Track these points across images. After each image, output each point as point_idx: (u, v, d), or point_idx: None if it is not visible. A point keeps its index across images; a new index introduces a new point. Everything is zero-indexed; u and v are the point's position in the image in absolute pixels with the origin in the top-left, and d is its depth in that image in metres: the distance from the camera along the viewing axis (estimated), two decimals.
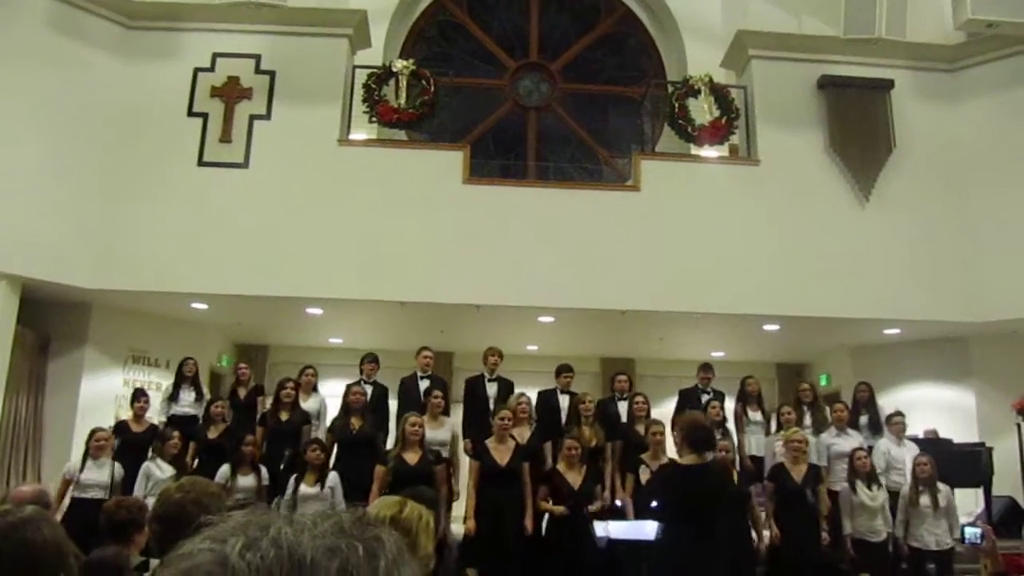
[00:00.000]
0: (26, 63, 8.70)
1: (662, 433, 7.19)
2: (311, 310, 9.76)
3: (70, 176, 8.74)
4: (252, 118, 9.24)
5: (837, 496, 7.19)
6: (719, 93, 9.72)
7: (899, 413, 7.94)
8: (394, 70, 9.60)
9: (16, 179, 8.45)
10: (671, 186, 9.39)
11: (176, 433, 7.43)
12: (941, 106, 9.79)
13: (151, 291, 8.89)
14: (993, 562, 5.94)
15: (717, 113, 9.63)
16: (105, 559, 3.14)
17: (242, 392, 8.64)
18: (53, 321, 9.45)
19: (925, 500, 6.94)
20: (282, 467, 7.34)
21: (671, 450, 7.48)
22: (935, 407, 9.77)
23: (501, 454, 6.82)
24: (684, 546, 4.62)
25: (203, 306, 9.64)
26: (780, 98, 9.72)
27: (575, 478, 6.75)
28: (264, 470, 7.16)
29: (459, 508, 7.30)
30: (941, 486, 7.02)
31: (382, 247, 8.87)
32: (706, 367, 8.65)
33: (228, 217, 8.89)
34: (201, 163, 9.09)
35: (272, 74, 9.37)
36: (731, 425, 8.27)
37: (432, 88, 9.54)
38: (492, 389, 8.00)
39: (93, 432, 7.48)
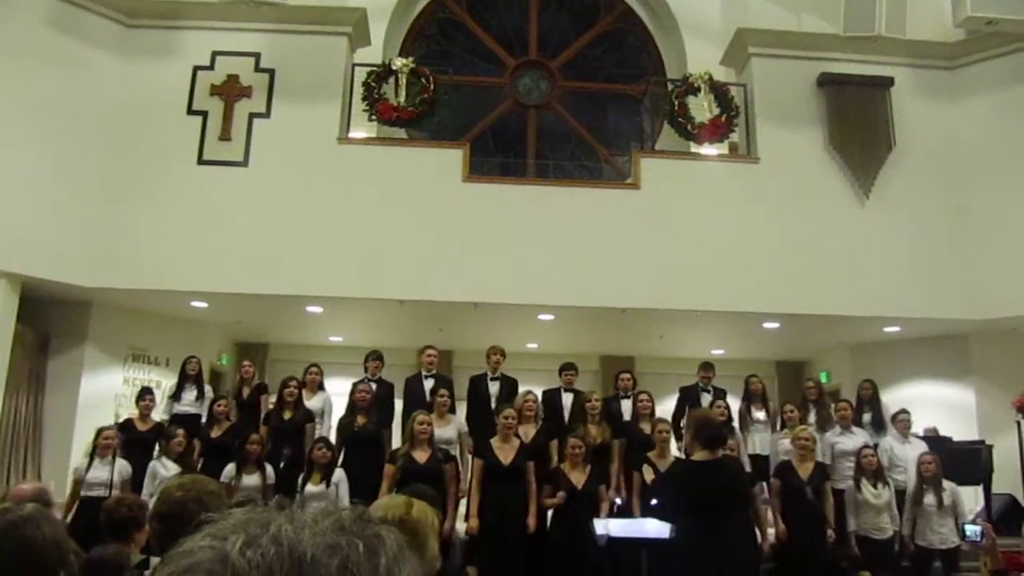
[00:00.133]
0: (25, 61, 8.70)
1: (668, 431, 7.19)
2: (311, 308, 9.76)
3: (70, 174, 8.74)
4: (252, 116, 9.24)
5: (842, 495, 7.17)
6: (719, 91, 9.72)
7: (904, 411, 7.93)
8: (394, 68, 9.59)
9: (16, 177, 8.44)
10: (671, 184, 9.39)
11: (181, 431, 7.43)
12: (941, 104, 9.79)
13: (151, 289, 8.89)
14: (993, 560, 5.93)
15: (717, 111, 9.63)
16: (105, 557, 3.14)
17: (246, 391, 8.63)
18: (53, 319, 9.45)
19: (929, 498, 6.93)
20: (281, 465, 7.33)
21: (674, 449, 7.53)
22: (935, 405, 9.77)
23: (505, 453, 6.81)
24: (696, 541, 4.64)
25: (203, 304, 9.64)
26: (780, 96, 9.72)
27: (578, 477, 6.74)
28: (270, 469, 7.16)
29: (462, 506, 7.30)
30: (947, 484, 7.00)
31: (382, 245, 8.87)
32: (707, 366, 8.65)
33: (228, 215, 8.89)
34: (201, 161, 9.09)
35: (272, 72, 9.37)
36: (736, 424, 8.27)
37: (432, 86, 9.53)
38: (494, 388, 8.00)
39: (100, 431, 7.50)
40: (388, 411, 7.99)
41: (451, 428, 7.39)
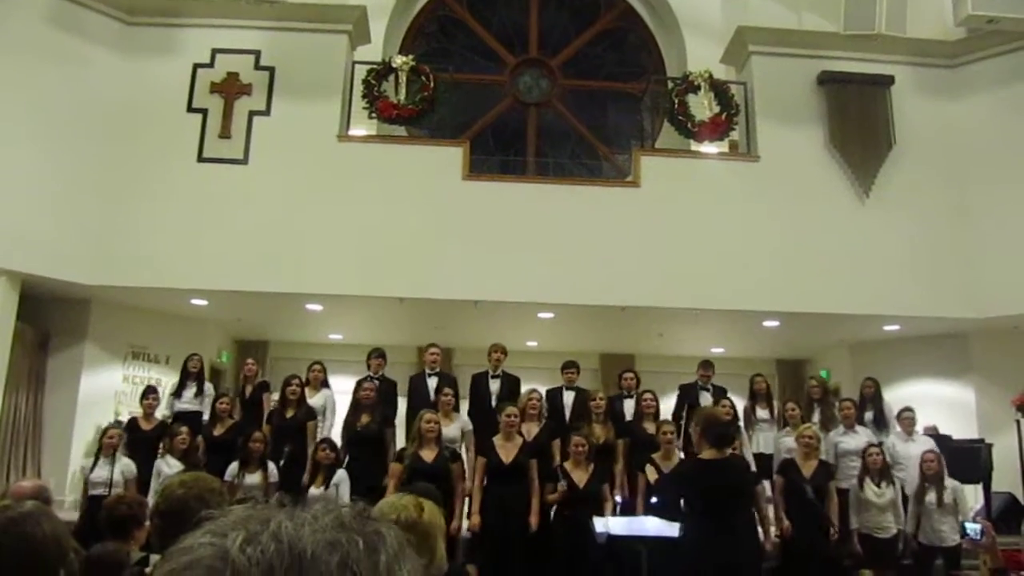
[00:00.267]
0: (25, 59, 8.69)
1: (672, 432, 7.18)
2: (311, 306, 9.77)
3: (69, 172, 8.74)
4: (251, 114, 9.24)
5: (846, 494, 7.15)
6: (719, 89, 9.71)
7: (908, 408, 7.92)
8: (394, 66, 9.59)
9: (15, 175, 8.44)
10: (671, 182, 9.39)
11: (185, 429, 7.43)
12: (941, 102, 9.79)
13: (151, 287, 8.88)
14: (993, 558, 5.94)
15: (717, 109, 9.62)
16: (104, 555, 3.14)
17: (248, 389, 8.63)
18: (53, 317, 9.46)
19: (931, 496, 6.93)
20: (281, 463, 7.33)
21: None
22: (935, 403, 9.77)
23: (507, 451, 6.81)
24: (703, 540, 4.65)
25: (203, 302, 9.64)
26: (780, 94, 9.72)
27: (581, 476, 6.73)
28: (272, 467, 7.16)
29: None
30: (949, 482, 6.99)
31: (382, 243, 8.87)
32: (706, 364, 8.64)
33: (227, 213, 8.89)
34: (200, 159, 9.09)
35: (271, 70, 9.37)
36: (740, 422, 8.26)
37: (432, 84, 9.53)
38: (495, 386, 8.00)
39: (105, 429, 7.54)
40: (392, 409, 7.98)
41: (455, 426, 7.38)
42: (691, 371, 8.83)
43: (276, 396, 8.28)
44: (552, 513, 6.85)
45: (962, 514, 6.92)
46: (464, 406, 8.11)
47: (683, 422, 7.88)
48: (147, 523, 3.45)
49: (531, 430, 7.24)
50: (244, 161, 9.11)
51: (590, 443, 6.88)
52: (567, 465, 6.81)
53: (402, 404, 8.19)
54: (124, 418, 9.02)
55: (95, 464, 7.37)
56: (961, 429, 9.27)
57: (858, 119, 9.55)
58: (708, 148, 9.83)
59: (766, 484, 7.34)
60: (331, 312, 10.04)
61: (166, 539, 2.36)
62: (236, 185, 9.01)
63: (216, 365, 11.07)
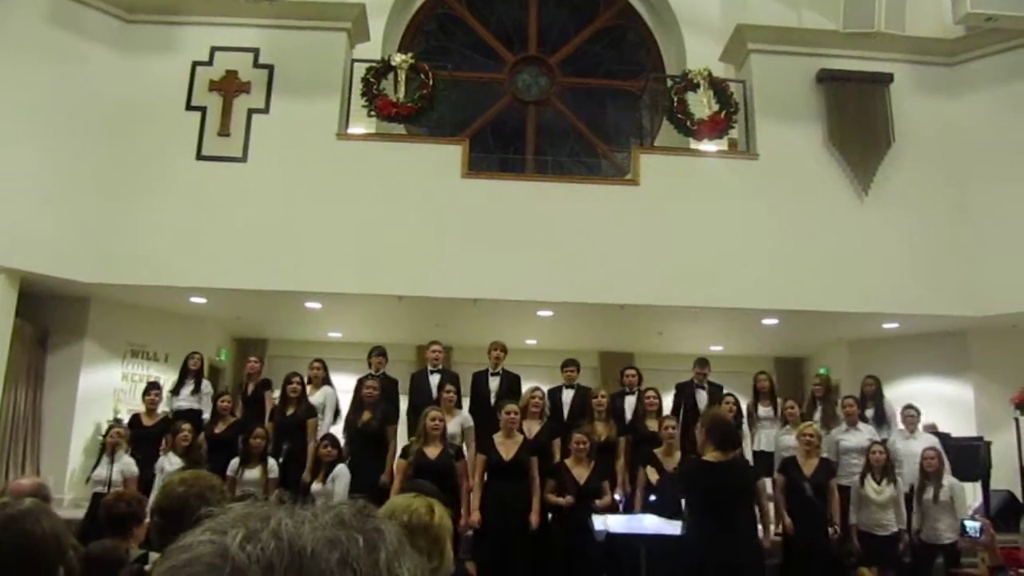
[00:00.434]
0: (24, 57, 8.69)
1: (675, 427, 7.18)
2: (310, 304, 9.76)
3: (68, 170, 8.74)
4: (250, 112, 9.23)
5: (848, 491, 7.14)
6: (718, 87, 9.71)
7: (911, 406, 7.92)
8: (393, 64, 9.59)
9: (14, 173, 8.44)
10: (670, 180, 9.39)
11: (187, 426, 7.43)
12: (940, 100, 9.79)
13: (150, 285, 8.88)
14: (991, 556, 5.96)
15: (716, 107, 9.63)
16: (103, 552, 3.14)
17: (250, 387, 8.63)
18: (52, 315, 9.46)
19: (928, 493, 6.94)
20: (281, 460, 7.34)
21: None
22: (934, 401, 9.75)
23: (507, 448, 6.81)
24: (706, 539, 4.67)
25: (202, 300, 9.63)
26: (779, 92, 9.72)
27: (582, 472, 6.73)
28: (272, 463, 7.16)
29: None
30: (947, 480, 6.99)
31: (381, 241, 8.87)
32: (702, 362, 8.63)
33: (227, 211, 8.88)
34: (199, 157, 9.09)
35: (270, 68, 9.36)
36: (744, 421, 8.27)
37: (431, 82, 9.52)
38: (495, 383, 8.00)
39: (109, 428, 7.56)
40: (393, 407, 7.98)
41: (456, 422, 7.38)
42: (690, 369, 8.82)
43: (278, 394, 8.29)
44: (550, 511, 6.85)
45: (959, 512, 6.92)
46: (465, 404, 8.11)
47: (680, 420, 7.88)
48: (146, 520, 3.46)
49: (532, 428, 7.25)
50: (243, 159, 9.11)
51: (591, 440, 6.88)
52: (568, 462, 6.82)
53: (403, 402, 8.19)
54: (123, 416, 9.02)
55: (97, 462, 7.39)
56: (960, 427, 9.27)
57: (857, 117, 9.55)
58: (707, 146, 9.84)
59: (767, 481, 7.35)
60: (330, 310, 10.04)
61: (166, 537, 2.36)
62: (235, 183, 9.00)
63: (215, 363, 11.07)
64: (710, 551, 4.67)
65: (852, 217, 9.31)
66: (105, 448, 7.47)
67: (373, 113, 9.50)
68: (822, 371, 11.36)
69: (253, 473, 6.98)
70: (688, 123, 9.58)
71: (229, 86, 9.28)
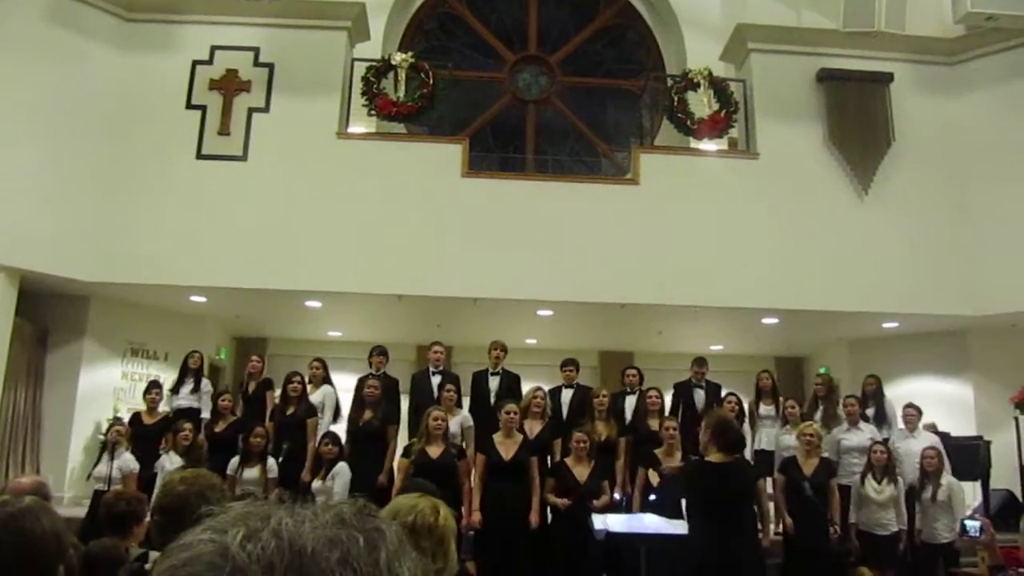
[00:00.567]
0: (24, 56, 8.68)
1: (676, 428, 7.18)
2: (310, 303, 9.76)
3: (68, 169, 8.73)
4: (251, 111, 9.23)
5: (849, 491, 7.14)
6: (718, 86, 9.71)
7: (911, 405, 7.92)
8: (393, 63, 9.58)
9: (14, 172, 8.44)
10: (670, 180, 9.39)
11: (188, 425, 7.44)
12: (940, 99, 9.79)
13: (150, 284, 8.88)
14: (991, 555, 5.96)
15: (716, 106, 9.62)
16: (103, 550, 3.14)
17: (252, 386, 8.63)
18: (52, 313, 9.45)
19: (927, 493, 6.94)
20: (280, 459, 7.34)
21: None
22: (933, 400, 9.73)
23: (507, 448, 6.82)
24: (707, 539, 4.67)
25: (202, 299, 9.63)
26: (779, 91, 9.71)
27: (582, 472, 6.73)
28: (271, 462, 7.17)
29: None
30: (945, 479, 6.99)
31: (381, 240, 8.86)
32: (700, 361, 8.63)
33: (227, 210, 8.88)
34: (199, 156, 9.08)
35: (271, 67, 9.36)
36: (746, 420, 8.27)
37: (431, 81, 9.52)
38: (495, 383, 8.00)
39: (110, 426, 7.57)
40: (395, 406, 7.98)
41: (455, 422, 7.38)
42: (690, 369, 8.83)
43: (278, 393, 8.30)
44: (550, 510, 6.86)
45: (957, 512, 6.91)
46: (465, 403, 8.11)
47: (678, 419, 7.87)
48: (147, 519, 3.46)
49: (534, 428, 7.26)
50: (243, 158, 9.11)
51: (592, 440, 6.88)
52: (568, 461, 6.82)
53: (403, 401, 8.19)
54: (123, 415, 9.02)
55: (98, 460, 7.39)
56: (959, 426, 9.26)
57: (857, 116, 9.55)
58: (707, 145, 9.83)
59: (769, 481, 7.35)
60: (330, 309, 10.04)
61: (167, 536, 2.35)
62: (235, 182, 9.00)
63: (214, 362, 11.07)
64: (711, 552, 4.68)
65: (852, 216, 9.31)
66: (106, 445, 7.47)
67: (373, 112, 9.50)
68: (822, 370, 11.37)
69: (252, 472, 6.99)
70: (688, 122, 9.57)
71: (229, 85, 9.27)
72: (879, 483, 6.96)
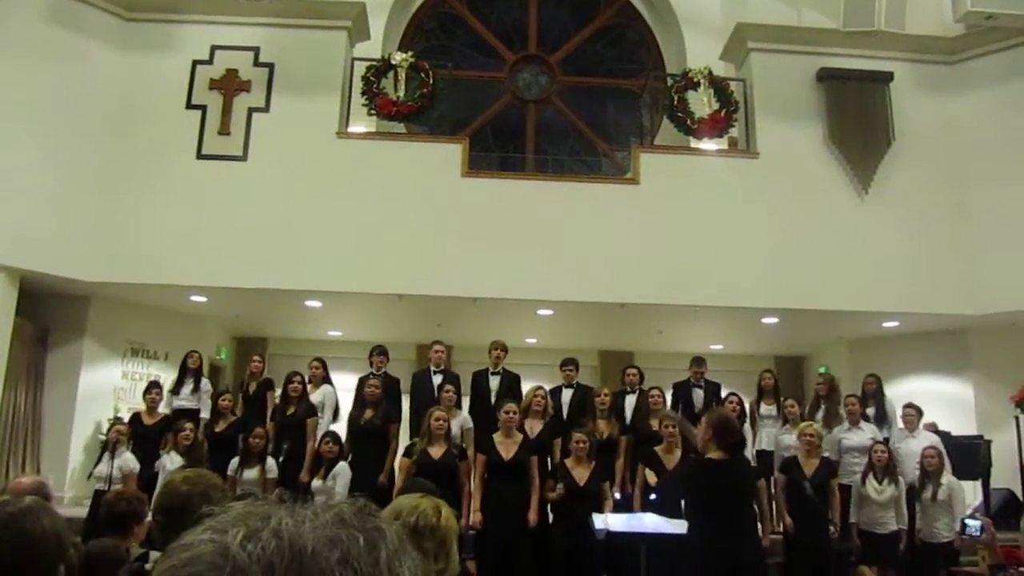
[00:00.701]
0: (24, 55, 8.68)
1: (675, 425, 7.17)
2: (310, 303, 9.76)
3: (68, 169, 8.74)
4: (251, 111, 9.23)
5: (849, 490, 7.13)
6: (718, 86, 9.71)
7: (911, 404, 7.91)
8: (393, 63, 9.58)
9: (15, 172, 8.44)
10: (670, 179, 9.39)
11: (189, 425, 7.44)
12: (940, 98, 9.78)
13: (150, 284, 8.89)
14: (992, 554, 5.95)
15: (716, 106, 9.62)
16: (103, 550, 3.14)
17: (252, 386, 8.63)
18: (52, 313, 9.46)
19: (927, 492, 6.93)
20: (280, 459, 7.35)
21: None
22: (934, 400, 9.73)
23: (507, 448, 6.81)
24: (707, 539, 4.67)
25: (202, 299, 9.63)
26: (779, 91, 9.71)
27: (581, 474, 6.72)
28: (271, 462, 7.17)
29: None
30: (946, 479, 6.98)
31: (381, 240, 8.87)
32: (698, 361, 8.62)
33: (227, 210, 8.88)
34: (200, 156, 9.09)
35: (271, 66, 9.36)
36: (747, 420, 8.27)
37: (431, 81, 9.52)
38: (495, 383, 8.00)
39: (111, 425, 7.57)
40: (396, 406, 7.98)
41: (455, 423, 7.38)
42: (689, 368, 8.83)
43: (279, 393, 8.30)
44: (550, 510, 6.85)
45: (957, 511, 6.91)
46: (465, 404, 8.11)
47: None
48: (147, 519, 3.46)
49: (534, 427, 7.25)
50: (243, 158, 9.11)
51: (591, 440, 6.88)
52: (568, 462, 6.81)
53: (404, 401, 8.19)
54: (123, 414, 9.02)
55: (99, 459, 7.40)
56: (960, 425, 9.26)
57: (857, 116, 9.55)
58: (707, 145, 9.83)
59: (770, 480, 7.36)
60: (330, 309, 10.04)
61: (168, 535, 2.35)
62: (235, 182, 9.00)
63: (215, 362, 11.08)
64: (711, 551, 4.67)
65: (852, 216, 9.31)
66: (107, 445, 7.47)
67: (373, 112, 9.50)
68: (822, 370, 11.37)
69: (252, 473, 6.99)
70: (688, 122, 9.57)
71: (229, 85, 9.27)
72: (880, 483, 6.95)
